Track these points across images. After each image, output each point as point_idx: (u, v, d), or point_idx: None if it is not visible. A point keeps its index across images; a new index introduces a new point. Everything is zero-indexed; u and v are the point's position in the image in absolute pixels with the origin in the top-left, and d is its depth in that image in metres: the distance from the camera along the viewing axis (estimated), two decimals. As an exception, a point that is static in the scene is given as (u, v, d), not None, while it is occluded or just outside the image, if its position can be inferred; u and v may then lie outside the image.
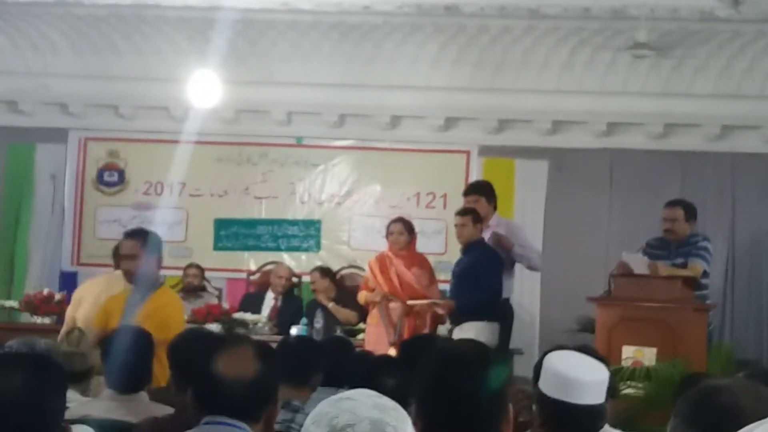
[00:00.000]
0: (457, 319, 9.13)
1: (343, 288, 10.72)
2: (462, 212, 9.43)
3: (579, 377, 3.59)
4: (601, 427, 3.75)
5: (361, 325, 9.88)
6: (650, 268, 8.65)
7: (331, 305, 10.32)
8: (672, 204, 9.43)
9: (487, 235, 9.37)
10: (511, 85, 11.26)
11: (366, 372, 5.18)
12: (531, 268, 9.85)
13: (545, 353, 3.91)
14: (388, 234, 9.64)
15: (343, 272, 11.17)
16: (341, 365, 5.31)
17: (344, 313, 10.26)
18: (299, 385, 4.95)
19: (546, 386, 3.63)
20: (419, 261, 9.65)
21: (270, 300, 10.76)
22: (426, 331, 9.01)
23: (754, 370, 5.67)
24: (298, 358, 5.11)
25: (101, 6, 11.34)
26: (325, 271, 10.71)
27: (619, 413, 5.25)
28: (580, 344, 4.87)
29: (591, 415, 3.61)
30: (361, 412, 2.38)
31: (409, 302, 9.27)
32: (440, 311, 9.29)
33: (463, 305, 9.20)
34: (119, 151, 12.09)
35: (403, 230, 9.60)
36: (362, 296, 9.68)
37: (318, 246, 11.68)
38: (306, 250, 11.73)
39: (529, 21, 10.97)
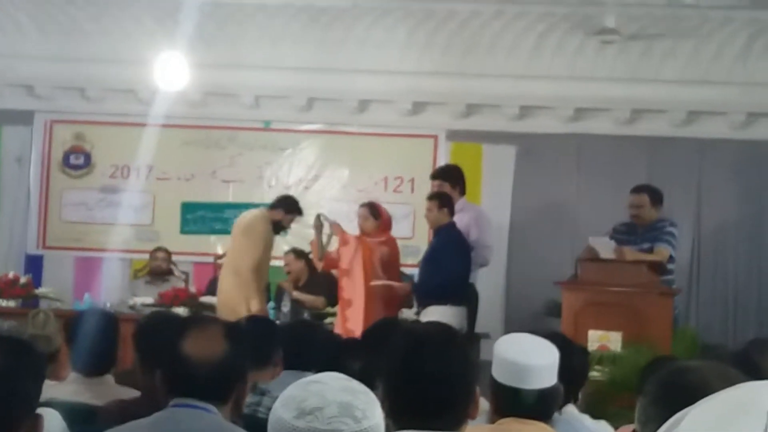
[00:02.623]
0: (423, 302, 9.15)
1: (315, 272, 10.70)
2: (430, 197, 9.45)
3: (525, 362, 3.58)
4: (555, 409, 3.76)
5: (329, 309, 9.88)
6: (617, 253, 8.70)
7: (295, 293, 10.26)
8: (637, 190, 9.47)
9: (457, 220, 9.38)
10: (479, 69, 11.27)
11: (332, 355, 5.18)
12: (481, 266, 9.84)
13: None
14: (358, 218, 9.69)
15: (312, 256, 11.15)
16: (307, 348, 5.31)
17: (310, 300, 10.23)
18: (259, 365, 4.94)
19: (497, 372, 3.64)
20: (389, 243, 9.64)
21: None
22: (389, 313, 9.01)
23: (720, 355, 5.70)
24: (254, 337, 5.08)
25: (68, -12, 11.29)
26: (299, 253, 10.66)
27: (585, 397, 5.26)
28: (551, 331, 4.87)
29: (540, 399, 3.60)
30: (329, 395, 2.39)
31: (372, 283, 9.27)
32: (399, 293, 9.31)
33: (420, 289, 9.22)
34: (85, 133, 12.02)
35: (368, 215, 9.59)
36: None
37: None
38: (274, 234, 11.70)
39: (498, 6, 10.98)
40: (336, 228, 9.63)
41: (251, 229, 9.62)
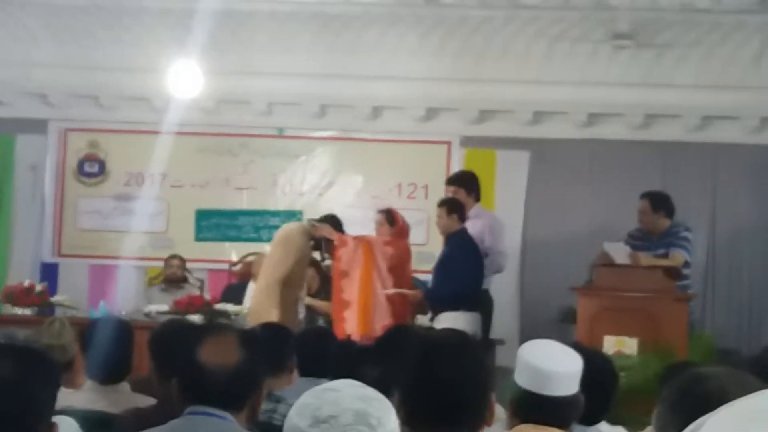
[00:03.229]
0: (436, 309, 9.14)
1: (327, 279, 10.68)
2: (440, 203, 9.44)
3: (549, 368, 3.58)
4: (575, 419, 3.75)
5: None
6: (631, 258, 8.68)
7: (308, 300, 10.25)
8: (641, 196, 9.47)
9: (466, 226, 9.37)
10: (492, 75, 11.26)
11: (347, 362, 5.18)
12: (495, 272, 9.83)
13: None
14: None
15: (325, 263, 11.13)
16: (322, 355, 5.32)
17: (324, 306, 10.22)
18: (274, 372, 4.95)
19: (519, 377, 3.63)
20: (394, 245, 9.62)
21: (252, 291, 10.73)
22: (401, 320, 9.00)
23: (736, 361, 5.69)
24: (269, 345, 5.09)
25: (81, -4, 11.32)
26: (311, 261, 10.65)
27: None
28: (591, 349, 4.84)
29: (561, 406, 3.60)
30: (344, 403, 2.38)
31: (384, 291, 9.26)
32: (411, 300, 9.30)
33: (431, 296, 9.21)
34: (100, 141, 12.05)
35: (384, 222, 9.58)
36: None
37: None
38: (287, 241, 11.70)
39: (510, 11, 10.97)
40: (324, 231, 9.54)
41: (287, 241, 9.61)
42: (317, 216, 9.97)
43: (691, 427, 1.28)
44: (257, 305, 9.42)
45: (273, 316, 9.19)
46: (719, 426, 1.24)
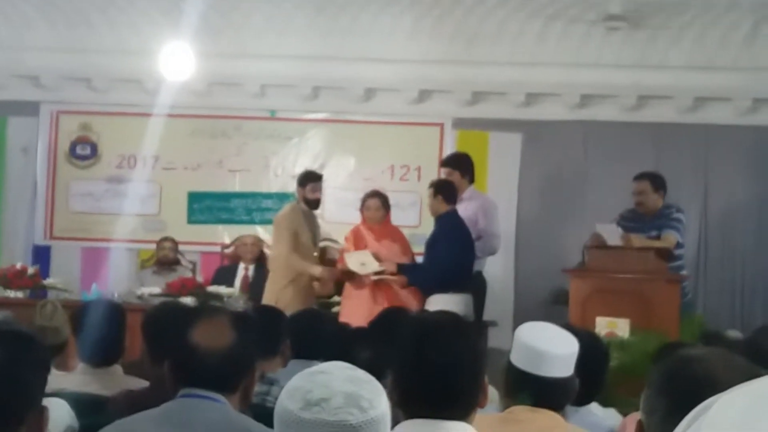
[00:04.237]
0: (426, 291, 9.12)
1: (320, 261, 10.69)
2: (430, 185, 9.44)
3: (545, 349, 3.59)
4: (569, 401, 3.76)
5: (336, 298, 9.88)
6: (624, 240, 8.69)
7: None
8: (639, 177, 9.48)
9: (460, 208, 9.36)
10: (485, 57, 11.25)
11: (340, 344, 5.19)
12: (489, 254, 9.86)
13: None
14: (364, 208, 9.63)
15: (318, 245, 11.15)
16: (315, 337, 5.32)
17: (317, 287, 10.22)
18: (267, 354, 4.95)
19: (515, 357, 3.65)
20: (391, 233, 9.64)
21: (242, 271, 10.76)
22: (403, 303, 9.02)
23: (729, 342, 5.70)
24: (262, 327, 5.08)
25: (73, -22, 11.29)
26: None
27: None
28: (584, 330, 4.85)
29: (555, 387, 3.61)
30: (335, 385, 2.38)
31: (373, 277, 9.27)
32: (395, 286, 9.29)
33: (414, 280, 9.18)
34: (92, 124, 12.03)
35: (380, 206, 9.58)
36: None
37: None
38: (280, 223, 11.70)
39: (503, -7, 10.96)
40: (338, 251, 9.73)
41: (276, 225, 9.87)
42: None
43: (697, 408, 1.28)
44: (269, 292, 9.53)
45: (287, 294, 9.29)
46: (726, 411, 1.23)
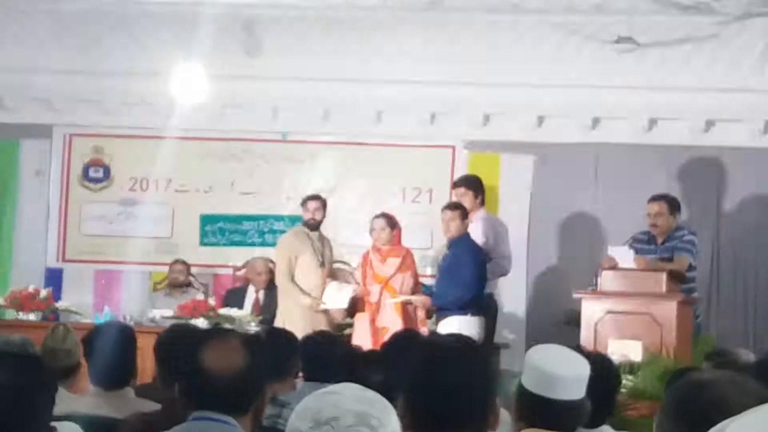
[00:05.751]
0: (440, 314, 9.15)
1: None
2: (452, 207, 9.45)
3: (556, 372, 3.59)
4: (581, 423, 3.75)
5: (348, 320, 9.88)
6: (636, 262, 8.68)
7: None
8: (655, 199, 9.48)
9: (470, 229, 9.38)
10: (496, 79, 11.24)
11: (351, 367, 5.19)
12: (500, 276, 9.88)
13: None
14: (371, 230, 9.69)
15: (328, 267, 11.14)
16: (326, 360, 5.32)
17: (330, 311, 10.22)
18: (279, 377, 4.95)
19: (526, 380, 3.64)
20: (396, 251, 9.66)
21: (252, 294, 10.76)
22: (415, 325, 9.04)
23: (724, 361, 5.67)
24: (273, 350, 5.09)
25: (86, 1, 11.32)
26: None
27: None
28: (595, 353, 4.84)
29: (567, 410, 3.60)
30: (345, 405, 2.38)
31: (389, 300, 9.31)
32: (418, 306, 9.32)
33: (439, 301, 9.22)
34: (104, 147, 12.05)
35: (385, 226, 9.62)
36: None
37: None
38: (292, 245, 11.70)
39: (514, 15, 10.97)
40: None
41: (276, 248, 10.20)
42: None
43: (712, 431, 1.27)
44: (283, 308, 9.73)
45: (304, 303, 9.49)
46: (742, 431, 1.23)
